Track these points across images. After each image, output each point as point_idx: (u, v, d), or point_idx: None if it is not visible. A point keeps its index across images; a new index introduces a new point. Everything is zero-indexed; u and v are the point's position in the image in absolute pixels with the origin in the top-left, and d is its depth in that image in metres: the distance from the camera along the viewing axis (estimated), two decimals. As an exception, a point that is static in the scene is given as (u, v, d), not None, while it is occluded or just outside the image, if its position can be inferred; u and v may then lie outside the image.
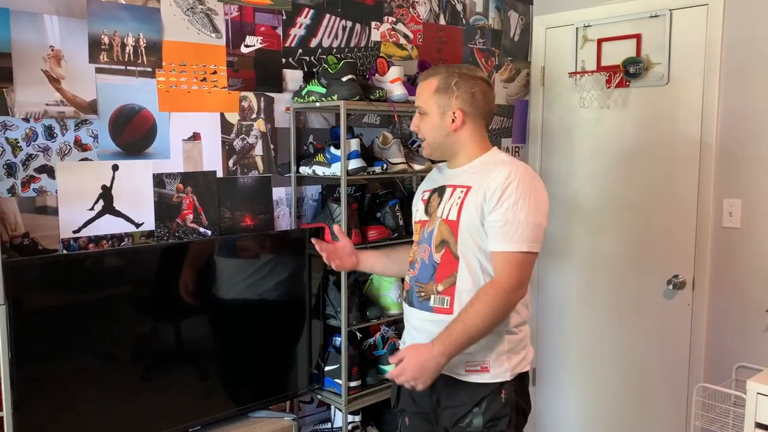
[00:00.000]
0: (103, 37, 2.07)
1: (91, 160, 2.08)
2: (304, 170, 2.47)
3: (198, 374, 2.22)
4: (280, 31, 2.48)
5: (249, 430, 2.25)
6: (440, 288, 1.81)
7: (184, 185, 2.28)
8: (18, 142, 1.94)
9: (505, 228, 1.72)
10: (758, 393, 2.13)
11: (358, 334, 2.57)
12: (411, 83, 2.52)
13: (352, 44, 2.70)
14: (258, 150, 2.46)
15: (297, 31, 2.53)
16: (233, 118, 2.39)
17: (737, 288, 2.69)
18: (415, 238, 1.93)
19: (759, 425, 2.14)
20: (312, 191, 2.61)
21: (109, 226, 2.12)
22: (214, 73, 2.32)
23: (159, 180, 2.22)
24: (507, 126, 3.37)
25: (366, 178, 2.52)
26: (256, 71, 2.42)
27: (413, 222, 1.98)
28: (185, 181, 2.29)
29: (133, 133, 2.16)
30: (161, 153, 2.23)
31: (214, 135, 2.35)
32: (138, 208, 2.18)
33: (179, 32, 2.23)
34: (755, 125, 2.61)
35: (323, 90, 2.33)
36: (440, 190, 1.88)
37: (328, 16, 2.61)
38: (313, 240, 2.06)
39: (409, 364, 1.70)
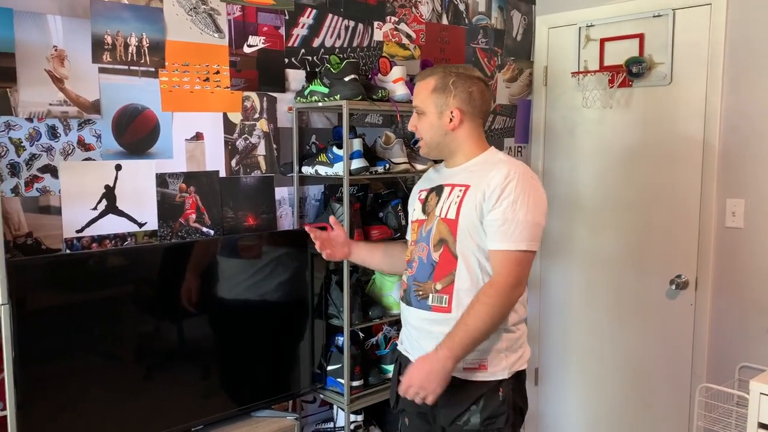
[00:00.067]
0: (106, 37, 2.08)
1: (94, 159, 2.08)
2: (307, 170, 2.47)
3: (201, 374, 2.22)
4: (282, 30, 2.48)
5: (252, 429, 2.26)
6: (438, 287, 1.82)
7: (187, 185, 2.29)
8: (21, 142, 1.95)
9: (504, 227, 1.73)
10: (761, 393, 2.13)
11: (361, 333, 2.57)
12: (413, 83, 2.52)
13: (355, 44, 2.70)
14: (260, 150, 2.47)
15: (299, 31, 2.53)
16: (236, 117, 2.39)
17: (740, 288, 2.69)
18: (412, 237, 1.94)
19: (762, 425, 2.14)
20: (314, 191, 2.62)
21: (112, 225, 2.12)
22: (217, 73, 2.33)
23: (162, 180, 2.23)
24: (510, 126, 3.36)
25: (368, 178, 2.52)
26: (258, 71, 2.43)
27: (410, 221, 1.98)
28: (188, 181, 2.29)
29: (136, 133, 2.16)
30: (164, 153, 2.23)
31: (217, 135, 2.35)
32: (141, 207, 2.19)
33: (182, 32, 2.24)
34: (758, 125, 2.61)
35: (326, 90, 2.33)
36: (438, 189, 1.89)
37: (330, 15, 2.61)
38: (306, 227, 2.08)
39: (416, 374, 1.71)
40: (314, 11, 2.56)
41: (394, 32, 2.84)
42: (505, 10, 3.27)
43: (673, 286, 2.87)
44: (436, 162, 2.09)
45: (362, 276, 2.57)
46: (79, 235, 2.06)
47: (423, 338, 1.88)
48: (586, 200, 3.22)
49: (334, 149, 2.36)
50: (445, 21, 3.03)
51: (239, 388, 2.30)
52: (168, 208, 2.25)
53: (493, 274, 1.76)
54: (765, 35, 2.57)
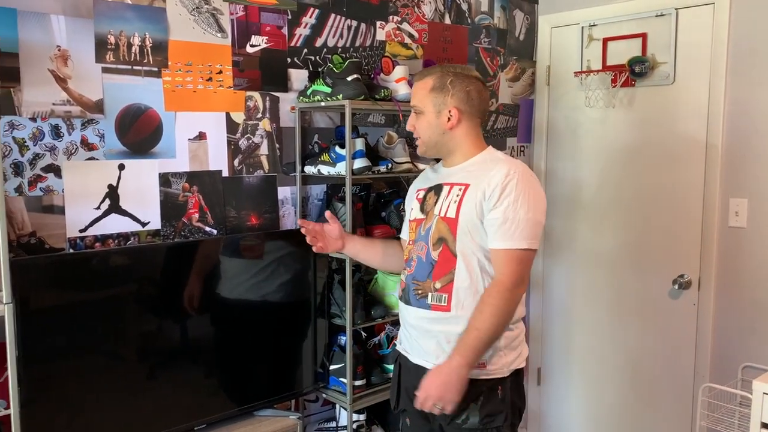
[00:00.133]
0: (109, 36, 2.08)
1: (97, 159, 2.09)
2: (309, 169, 2.47)
3: (203, 373, 2.23)
4: (285, 30, 2.48)
5: (254, 428, 2.26)
6: (438, 285, 1.82)
7: (190, 184, 2.29)
8: (25, 142, 1.95)
9: (505, 226, 1.73)
10: (764, 393, 2.12)
11: (363, 333, 2.57)
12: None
13: (357, 44, 2.70)
14: (263, 149, 2.47)
15: (302, 31, 2.53)
16: (239, 117, 2.40)
17: (743, 288, 2.69)
18: (410, 236, 1.94)
19: (765, 425, 2.13)
20: (317, 190, 2.62)
21: (115, 225, 2.13)
22: (220, 72, 2.33)
23: (165, 179, 2.23)
24: (512, 125, 3.36)
25: (371, 178, 2.53)
26: (261, 71, 2.43)
27: (407, 221, 1.98)
28: (191, 181, 2.29)
29: (139, 133, 2.17)
30: (167, 152, 2.23)
31: (220, 134, 2.36)
32: (144, 207, 2.19)
33: (185, 32, 2.24)
34: (762, 124, 2.60)
35: (328, 89, 2.33)
36: (436, 189, 1.89)
37: (333, 15, 2.61)
38: (299, 221, 2.09)
39: (433, 386, 1.72)
40: (317, 11, 2.56)
41: (397, 32, 2.84)
42: (508, 9, 3.27)
43: (676, 286, 2.86)
44: (436, 161, 2.10)
45: (365, 275, 2.57)
46: (83, 234, 2.07)
47: (422, 337, 1.88)
48: (588, 200, 3.22)
49: (337, 149, 2.36)
50: (447, 20, 3.03)
51: (242, 387, 2.31)
52: (171, 207, 2.25)
53: (496, 274, 1.77)
54: (768, 34, 2.57)
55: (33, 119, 1.96)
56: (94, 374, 1.97)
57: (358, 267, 2.50)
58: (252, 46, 2.40)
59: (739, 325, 2.70)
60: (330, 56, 2.54)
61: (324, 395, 2.54)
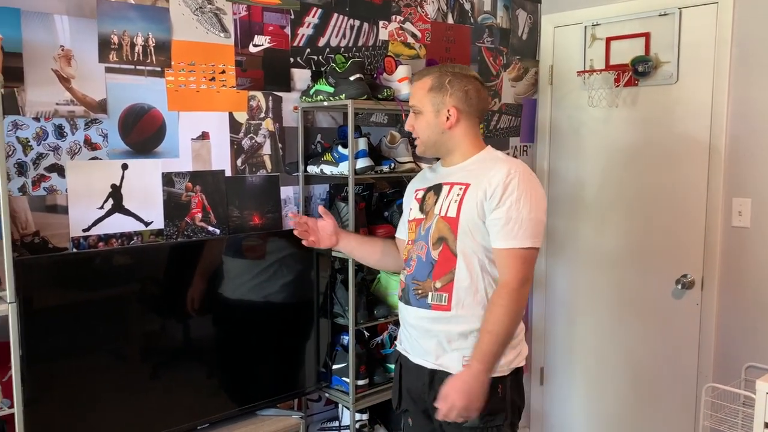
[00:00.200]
0: (112, 36, 2.09)
1: (100, 159, 2.09)
2: (312, 169, 2.48)
3: (206, 372, 2.23)
4: (288, 30, 2.48)
5: (257, 428, 2.26)
6: (438, 285, 1.83)
7: (193, 184, 2.30)
8: (29, 141, 1.96)
9: (509, 225, 1.74)
10: (767, 393, 2.12)
11: (366, 332, 2.58)
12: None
13: (360, 43, 2.71)
14: (266, 149, 2.47)
15: (305, 31, 2.53)
16: (242, 117, 2.40)
17: (746, 287, 2.68)
18: (410, 236, 1.94)
19: (768, 425, 2.13)
20: (320, 190, 2.62)
21: (118, 224, 2.13)
22: (223, 72, 2.33)
23: (168, 179, 2.24)
24: (515, 125, 3.36)
25: (374, 177, 2.53)
26: (264, 71, 2.43)
27: (407, 221, 1.98)
28: (194, 180, 2.30)
29: (143, 133, 2.17)
30: (170, 152, 2.24)
31: (223, 134, 2.36)
32: (147, 206, 2.19)
33: (188, 32, 2.24)
34: (765, 124, 2.60)
35: (331, 89, 2.34)
36: (436, 188, 1.89)
37: (336, 15, 2.61)
38: (290, 214, 2.09)
39: (457, 397, 1.72)
40: (320, 11, 2.56)
41: (400, 31, 2.84)
42: (511, 9, 3.27)
43: (679, 286, 2.86)
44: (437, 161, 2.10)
45: (367, 275, 2.57)
46: (86, 234, 2.07)
47: (422, 337, 1.88)
48: (591, 199, 3.22)
49: (340, 148, 2.36)
50: (450, 20, 3.03)
51: (245, 386, 2.31)
52: (174, 207, 2.25)
53: (502, 274, 1.77)
54: (772, 34, 2.56)
55: (36, 119, 1.97)
56: (97, 373, 1.97)
57: (360, 267, 2.50)
58: (255, 45, 2.40)
59: (743, 325, 2.70)
60: (333, 56, 2.55)
61: (327, 395, 2.55)
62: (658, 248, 2.96)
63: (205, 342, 2.23)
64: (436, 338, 1.85)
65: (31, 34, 1.93)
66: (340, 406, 2.57)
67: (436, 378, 1.86)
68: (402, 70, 2.44)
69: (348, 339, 2.38)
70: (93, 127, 2.07)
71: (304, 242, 2.09)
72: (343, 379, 2.43)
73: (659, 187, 2.94)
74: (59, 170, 2.01)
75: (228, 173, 2.38)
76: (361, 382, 2.40)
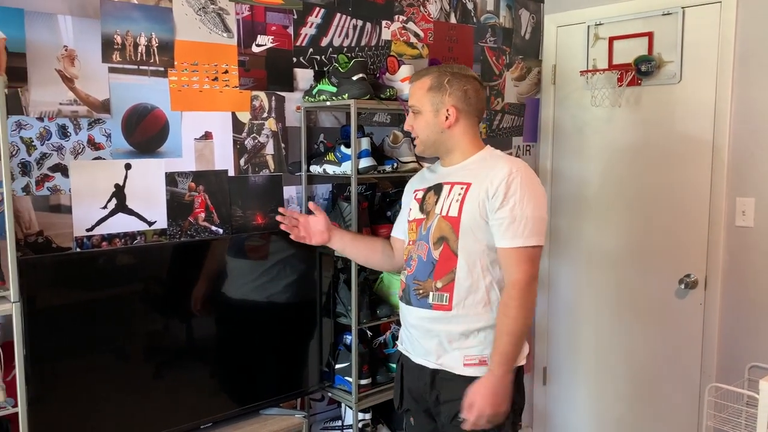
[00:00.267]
0: (115, 36, 2.09)
1: (104, 158, 2.10)
2: (315, 169, 2.48)
3: (209, 372, 2.23)
4: (291, 30, 2.49)
5: (260, 427, 2.27)
6: (439, 285, 1.83)
7: (196, 184, 2.30)
8: (32, 141, 1.96)
9: (514, 224, 1.74)
10: (771, 393, 2.11)
11: (369, 332, 2.58)
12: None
13: (363, 43, 2.71)
14: (269, 149, 2.48)
15: (308, 31, 2.53)
16: (244, 117, 2.40)
17: (750, 287, 2.68)
18: (411, 237, 1.95)
19: (772, 425, 2.12)
20: (322, 190, 2.62)
21: (121, 224, 2.14)
22: (226, 72, 2.34)
23: (171, 179, 2.24)
24: (518, 124, 3.36)
25: (376, 177, 2.53)
26: (267, 70, 2.43)
27: (406, 221, 1.98)
28: (197, 180, 2.30)
29: (146, 132, 2.18)
30: (173, 152, 2.24)
31: (226, 134, 2.36)
32: (150, 206, 2.20)
33: (191, 32, 2.25)
34: (769, 123, 2.59)
35: (334, 89, 2.34)
36: (436, 188, 1.90)
37: (338, 15, 2.61)
38: (280, 209, 2.12)
39: (485, 404, 1.74)
40: (322, 10, 2.56)
41: (402, 31, 2.84)
42: (514, 8, 3.26)
43: (682, 286, 2.86)
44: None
45: (370, 275, 2.57)
46: (89, 233, 2.08)
47: (423, 337, 1.89)
48: (594, 199, 3.21)
49: (342, 148, 2.36)
50: (453, 20, 3.03)
51: (248, 386, 2.31)
52: (177, 206, 2.26)
53: (510, 274, 1.78)
54: (775, 33, 2.55)
55: (40, 119, 1.97)
56: (100, 373, 1.98)
57: (363, 267, 2.50)
58: (258, 45, 2.41)
59: (746, 325, 2.69)
60: (335, 56, 2.55)
61: (329, 394, 2.55)
62: (662, 248, 2.95)
63: (209, 341, 2.23)
64: (437, 338, 1.85)
65: (34, 34, 1.94)
66: (343, 405, 2.57)
67: (437, 378, 1.87)
68: (405, 70, 2.44)
69: (351, 338, 2.38)
70: (96, 127, 2.08)
71: (291, 236, 2.11)
72: (346, 378, 2.43)
73: (662, 187, 2.94)
74: (63, 170, 2.02)
75: (231, 173, 2.38)
76: (363, 382, 2.40)
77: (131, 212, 2.16)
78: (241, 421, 2.28)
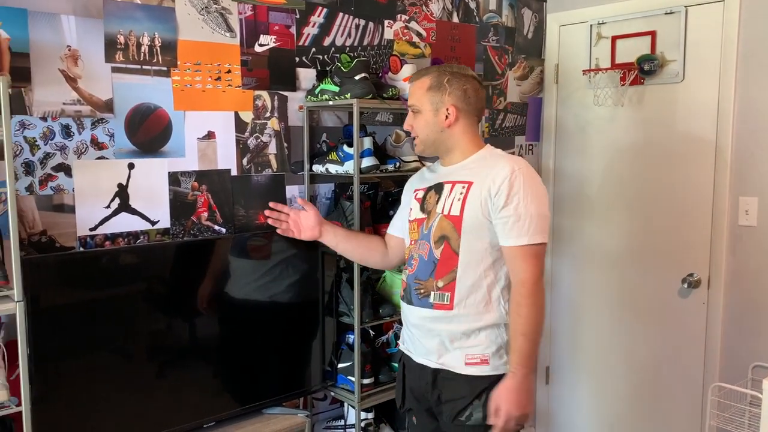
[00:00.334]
0: (119, 36, 2.09)
1: (107, 158, 2.10)
2: (318, 168, 2.48)
3: (212, 371, 2.23)
4: (293, 30, 2.49)
5: (263, 426, 2.27)
6: (440, 284, 1.83)
7: (199, 183, 2.30)
8: (36, 141, 1.97)
9: (519, 223, 1.74)
10: (774, 392, 2.11)
11: (371, 331, 2.58)
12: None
13: (365, 43, 2.71)
14: (272, 148, 2.48)
15: (310, 30, 2.54)
16: (247, 116, 2.40)
17: (753, 287, 2.67)
18: (412, 236, 1.95)
19: (775, 425, 2.12)
20: (325, 189, 2.62)
21: (124, 223, 2.14)
22: (229, 72, 2.34)
23: (174, 178, 2.24)
24: (520, 124, 3.36)
25: (379, 176, 2.53)
26: (269, 70, 2.44)
27: (407, 220, 1.98)
28: (200, 179, 2.30)
29: (149, 132, 2.18)
30: (176, 151, 2.25)
31: (229, 133, 2.36)
32: (153, 206, 2.20)
33: (194, 31, 2.25)
34: (772, 122, 2.59)
35: (336, 88, 2.34)
36: (437, 187, 1.90)
37: (341, 14, 2.62)
38: (271, 204, 2.13)
39: (509, 406, 1.75)
40: (325, 10, 2.56)
41: (405, 30, 2.84)
42: (516, 7, 3.26)
43: (686, 285, 2.85)
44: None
45: (372, 274, 2.57)
46: (93, 233, 2.08)
47: (424, 337, 1.89)
48: (597, 198, 3.21)
49: (345, 147, 2.37)
50: (455, 19, 3.03)
51: (250, 385, 2.31)
52: (180, 206, 2.26)
53: (517, 272, 1.78)
54: (779, 32, 2.55)
55: (44, 119, 1.98)
56: (104, 372, 1.98)
57: (366, 266, 2.50)
58: (260, 45, 2.41)
59: (750, 324, 2.69)
60: (338, 55, 2.55)
61: (332, 393, 2.55)
62: (665, 247, 2.95)
63: (211, 341, 2.23)
64: (438, 337, 1.86)
65: (38, 34, 1.94)
66: (345, 404, 2.57)
67: (438, 377, 1.87)
68: (407, 69, 2.44)
69: (353, 338, 2.38)
70: (99, 126, 2.08)
71: (278, 230, 2.12)
72: (349, 377, 2.43)
73: (665, 186, 2.93)
74: (66, 170, 2.02)
75: (234, 172, 2.38)
76: (366, 381, 2.40)
77: (134, 212, 2.16)
78: (244, 420, 2.29)
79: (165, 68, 2.20)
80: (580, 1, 3.19)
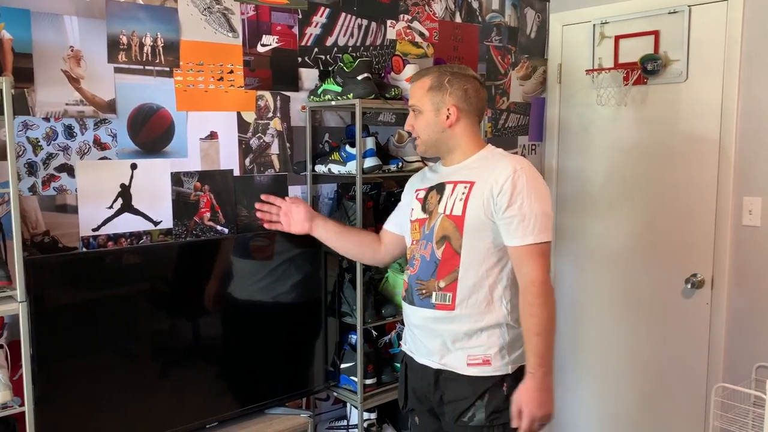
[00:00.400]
0: (121, 37, 2.10)
1: (110, 159, 2.10)
2: (320, 168, 2.48)
3: (215, 371, 2.24)
4: (296, 30, 2.49)
5: (265, 426, 2.27)
6: (442, 284, 1.83)
7: (202, 184, 2.30)
8: (39, 142, 1.97)
9: (524, 222, 1.74)
10: (778, 393, 2.10)
11: (374, 332, 2.58)
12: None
13: (368, 43, 2.71)
14: (274, 148, 2.48)
15: (313, 30, 2.54)
16: (250, 117, 2.40)
17: (757, 287, 2.66)
18: (414, 236, 1.95)
19: (779, 426, 2.11)
20: (327, 189, 2.62)
21: (127, 224, 2.14)
22: (231, 72, 2.34)
23: (177, 178, 2.25)
24: (523, 124, 3.35)
25: (381, 177, 2.53)
26: (272, 70, 2.44)
27: (410, 221, 1.98)
28: (203, 180, 2.31)
29: (151, 132, 2.18)
30: (179, 152, 2.25)
31: (231, 134, 2.37)
32: (156, 206, 2.21)
33: (196, 32, 2.25)
34: (776, 122, 2.58)
35: (339, 89, 2.34)
36: (438, 187, 1.90)
37: (343, 14, 2.61)
38: (263, 196, 2.15)
39: (531, 408, 1.75)
40: (327, 10, 2.56)
41: (407, 30, 2.84)
42: (519, 7, 3.26)
43: (689, 285, 2.85)
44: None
45: (375, 274, 2.57)
46: (96, 233, 2.08)
47: (426, 337, 1.89)
48: (600, 198, 3.21)
49: (347, 148, 2.36)
50: (458, 19, 3.03)
51: (253, 385, 2.31)
52: (183, 206, 2.26)
53: (525, 272, 1.77)
54: (782, 31, 2.54)
55: (46, 119, 1.98)
56: (107, 372, 1.98)
57: (368, 266, 2.50)
58: (263, 45, 2.41)
59: (753, 325, 2.68)
60: (340, 55, 2.55)
61: (335, 394, 2.55)
62: (668, 247, 2.94)
63: (214, 341, 2.23)
64: (440, 338, 1.85)
65: (41, 35, 1.94)
66: (348, 405, 2.57)
67: (441, 378, 1.87)
68: (410, 69, 2.43)
69: (356, 338, 2.38)
70: (102, 127, 2.08)
71: (265, 224, 2.13)
72: (351, 378, 2.43)
73: (668, 186, 2.93)
74: (69, 170, 2.03)
75: (236, 173, 2.39)
76: (369, 381, 2.40)
77: (137, 212, 2.17)
78: (247, 420, 2.29)
79: (167, 68, 2.20)
80: (583, 0, 3.19)
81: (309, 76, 2.53)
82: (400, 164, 2.44)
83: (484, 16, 3.12)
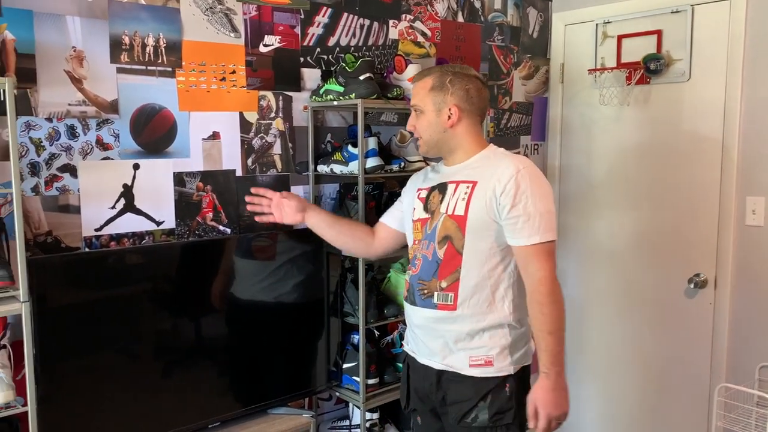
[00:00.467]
0: (123, 37, 2.10)
1: (112, 159, 2.11)
2: (322, 168, 2.48)
3: (218, 371, 2.24)
4: (298, 30, 2.49)
5: (268, 426, 2.27)
6: (444, 284, 1.83)
7: (204, 184, 2.31)
8: (41, 142, 1.97)
9: (529, 222, 1.74)
10: (781, 393, 2.10)
11: (376, 332, 2.58)
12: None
13: (370, 42, 2.71)
14: (276, 149, 2.48)
15: (315, 30, 2.54)
16: (252, 117, 2.41)
17: (760, 287, 2.66)
18: (416, 236, 1.94)
19: (782, 426, 2.11)
20: (330, 189, 2.62)
21: (130, 224, 2.15)
22: (233, 72, 2.34)
23: (179, 179, 2.25)
24: (526, 123, 3.35)
25: (383, 177, 2.53)
26: (274, 70, 2.44)
27: (411, 220, 1.98)
28: (205, 180, 2.31)
29: (154, 133, 2.19)
30: (181, 152, 2.25)
31: (233, 134, 2.37)
32: (158, 206, 2.21)
33: (199, 32, 2.25)
34: (779, 122, 2.57)
35: (341, 89, 2.34)
36: (441, 187, 1.89)
37: (345, 14, 2.61)
38: (253, 189, 2.16)
39: (548, 408, 1.76)
40: (330, 10, 2.56)
41: (410, 30, 2.84)
42: (521, 7, 3.25)
43: (692, 285, 2.84)
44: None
45: (377, 274, 2.58)
46: (98, 233, 2.09)
47: (427, 337, 1.89)
48: (603, 198, 3.20)
49: (350, 148, 2.36)
50: (460, 18, 3.02)
51: (256, 385, 2.32)
52: (185, 206, 2.27)
53: (533, 272, 1.77)
54: (786, 30, 2.53)
55: (49, 119, 1.98)
56: (109, 372, 1.99)
57: (371, 266, 2.50)
58: (265, 45, 2.41)
59: (757, 325, 2.67)
60: (343, 55, 2.55)
61: (337, 394, 2.55)
62: (671, 247, 2.94)
63: (217, 341, 2.23)
64: (442, 338, 1.85)
65: (43, 35, 1.95)
66: (350, 405, 2.57)
67: (443, 378, 1.87)
68: (412, 69, 2.43)
69: (358, 338, 2.38)
70: (105, 127, 2.08)
71: (256, 218, 2.13)
72: (354, 378, 2.43)
73: (671, 186, 2.92)
74: (71, 170, 2.03)
75: (239, 173, 2.39)
76: (371, 381, 2.40)
77: (139, 212, 2.17)
78: (249, 420, 2.29)
79: (170, 69, 2.20)
80: (585, 0, 3.18)
81: (311, 76, 2.53)
82: (403, 164, 2.44)
83: (486, 15, 3.12)
